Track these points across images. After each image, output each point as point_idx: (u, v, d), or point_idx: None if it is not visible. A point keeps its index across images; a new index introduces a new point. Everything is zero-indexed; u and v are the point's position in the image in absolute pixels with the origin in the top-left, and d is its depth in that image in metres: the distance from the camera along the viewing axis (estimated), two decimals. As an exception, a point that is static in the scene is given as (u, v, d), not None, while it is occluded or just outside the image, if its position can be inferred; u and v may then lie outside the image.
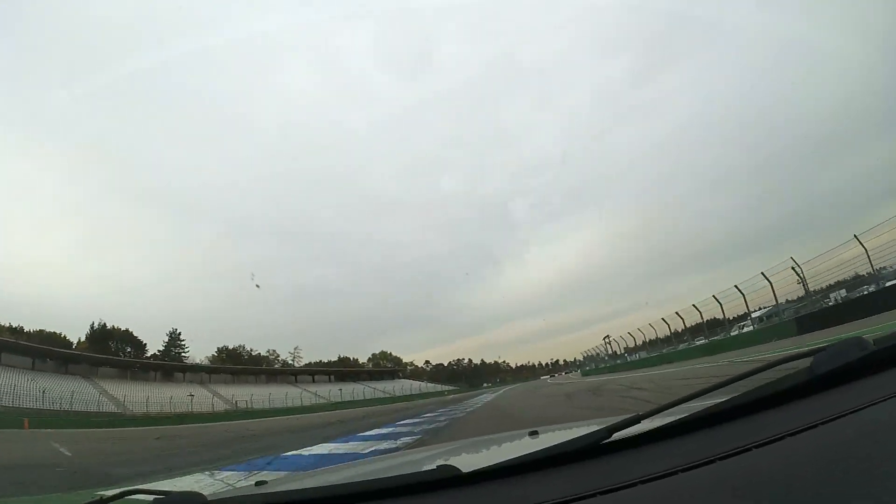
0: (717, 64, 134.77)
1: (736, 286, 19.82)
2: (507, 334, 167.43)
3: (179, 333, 74.04)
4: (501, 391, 44.07)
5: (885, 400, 0.80)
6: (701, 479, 0.75)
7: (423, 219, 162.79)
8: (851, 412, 0.79)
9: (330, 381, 78.08)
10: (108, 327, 67.35)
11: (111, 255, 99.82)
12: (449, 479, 0.94)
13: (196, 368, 64.55)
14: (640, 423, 0.96)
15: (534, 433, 1.63)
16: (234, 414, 42.81)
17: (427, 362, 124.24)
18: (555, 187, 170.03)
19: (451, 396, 53.75)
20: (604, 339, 51.42)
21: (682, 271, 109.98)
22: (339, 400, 58.82)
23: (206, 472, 6.82)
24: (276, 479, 1.94)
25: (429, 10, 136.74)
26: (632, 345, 38.96)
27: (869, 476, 0.63)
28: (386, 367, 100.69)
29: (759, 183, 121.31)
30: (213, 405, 47.76)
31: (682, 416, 0.95)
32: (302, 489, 1.25)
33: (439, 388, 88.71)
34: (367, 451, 7.82)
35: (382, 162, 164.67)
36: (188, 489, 1.42)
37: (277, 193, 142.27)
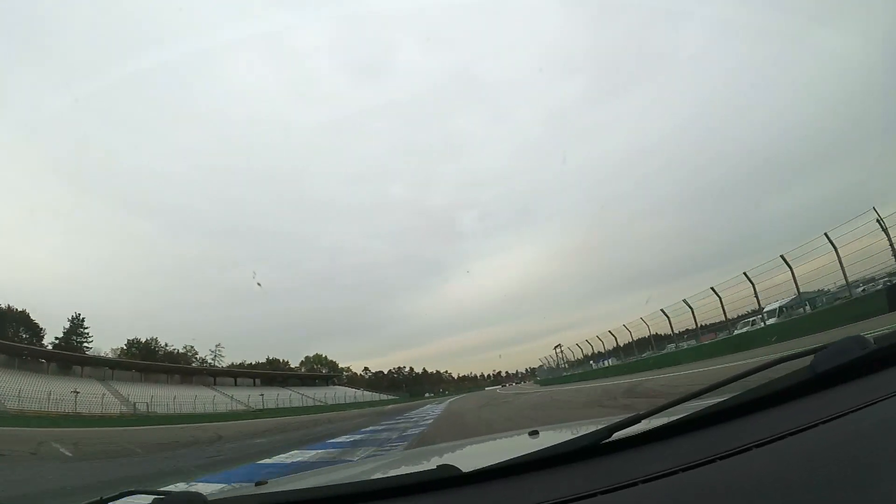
0: (667, 91, 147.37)
1: (782, 256, 15.89)
2: (450, 345, 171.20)
3: (83, 320, 64.80)
4: (448, 402, 41.83)
5: (885, 399, 0.82)
6: (701, 478, 0.76)
7: (368, 225, 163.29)
8: (852, 411, 0.81)
9: (255, 384, 71.95)
10: (2, 307, 57.33)
11: (22, 231, 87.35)
12: (449, 478, 0.94)
13: (95, 361, 56.55)
14: (640, 422, 0.97)
15: (534, 433, 1.62)
16: (125, 419, 37.81)
17: (366, 369, 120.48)
18: (503, 201, 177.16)
19: (391, 407, 51.62)
20: (555, 348, 51.02)
21: (630, 287, 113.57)
22: (261, 407, 52.17)
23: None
24: (277, 480, 1.80)
25: (389, 16, 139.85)
26: (581, 355, 38.38)
27: (870, 475, 0.64)
28: (320, 372, 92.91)
29: (705, 206, 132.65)
30: (103, 405, 41.44)
31: (683, 415, 0.96)
32: (302, 489, 1.22)
33: (378, 396, 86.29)
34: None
35: (330, 164, 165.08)
36: (188, 490, 1.25)
37: (215, 187, 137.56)
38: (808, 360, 0.94)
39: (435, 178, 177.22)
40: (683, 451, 0.84)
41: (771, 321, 18.83)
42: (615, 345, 30.91)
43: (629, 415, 0.99)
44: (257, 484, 1.49)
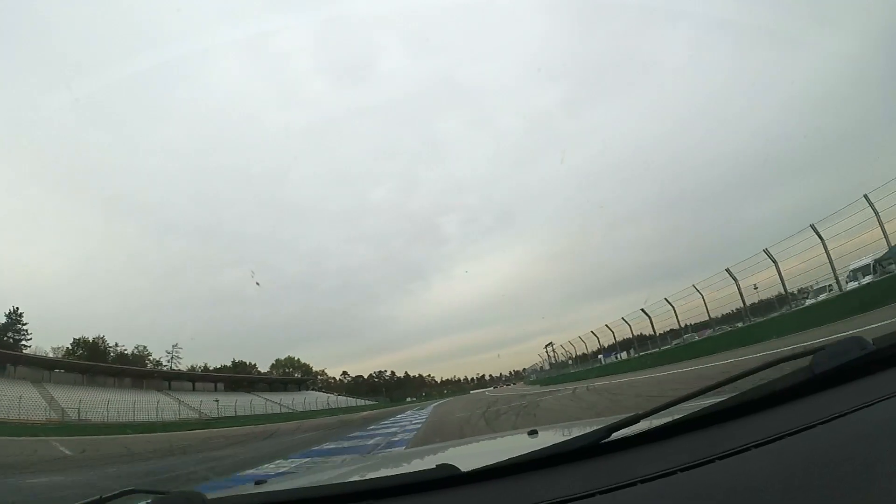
0: (654, 95, 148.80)
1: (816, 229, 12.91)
2: (433, 349, 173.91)
3: (22, 315, 60.55)
4: (433, 407, 37.18)
5: (884, 400, 0.85)
6: (700, 478, 0.78)
7: (349, 228, 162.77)
8: (851, 412, 0.84)
9: (217, 389, 68.34)
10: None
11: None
12: (448, 478, 0.95)
13: (28, 360, 52.18)
14: (639, 422, 1.00)
15: (533, 433, 1.61)
16: (48, 426, 33.55)
17: (344, 373, 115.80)
18: (486, 206, 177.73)
19: (365, 414, 48.69)
20: (546, 347, 50.09)
21: (618, 291, 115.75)
22: (216, 414, 49.08)
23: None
24: (276, 479, 1.96)
25: (373, 20, 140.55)
26: (577, 353, 37.30)
27: (869, 476, 0.67)
28: (292, 376, 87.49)
29: (681, 215, 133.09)
30: (21, 409, 37.24)
31: (682, 415, 0.99)
32: (301, 488, 1.23)
33: (354, 402, 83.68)
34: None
35: (312, 167, 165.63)
36: (188, 489, 1.38)
37: (189, 186, 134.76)
38: (807, 360, 0.96)
39: (417, 182, 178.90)
40: (683, 451, 0.85)
41: (867, 279, 14.65)
42: (622, 338, 29.22)
43: (628, 414, 1.01)
44: (257, 483, 1.52)
